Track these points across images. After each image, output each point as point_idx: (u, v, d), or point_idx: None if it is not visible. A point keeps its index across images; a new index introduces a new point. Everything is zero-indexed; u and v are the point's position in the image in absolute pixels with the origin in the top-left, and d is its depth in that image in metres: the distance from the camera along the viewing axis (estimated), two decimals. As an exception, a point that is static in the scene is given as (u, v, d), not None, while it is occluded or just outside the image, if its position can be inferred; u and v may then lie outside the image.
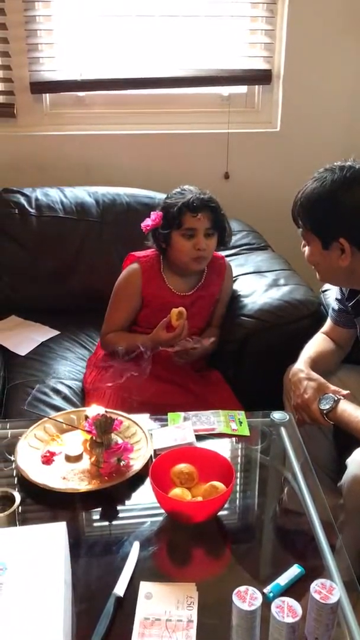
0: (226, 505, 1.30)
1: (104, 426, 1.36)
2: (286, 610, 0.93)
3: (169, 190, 2.00)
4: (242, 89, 2.63)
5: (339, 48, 2.51)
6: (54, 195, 2.35)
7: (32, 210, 2.29)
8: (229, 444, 1.55)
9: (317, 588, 0.96)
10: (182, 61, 2.50)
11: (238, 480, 1.46)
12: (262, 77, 2.57)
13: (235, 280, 2.12)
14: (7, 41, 2.39)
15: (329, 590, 0.96)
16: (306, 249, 1.58)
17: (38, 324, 2.25)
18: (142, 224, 1.96)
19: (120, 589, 1.10)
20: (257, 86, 2.61)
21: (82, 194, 2.37)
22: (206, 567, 1.25)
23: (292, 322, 1.94)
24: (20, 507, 1.25)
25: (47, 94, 2.53)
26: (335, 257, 1.50)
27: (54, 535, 1.05)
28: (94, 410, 1.44)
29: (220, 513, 1.30)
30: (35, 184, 2.41)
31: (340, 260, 1.49)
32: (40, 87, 2.47)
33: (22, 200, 2.30)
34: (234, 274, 2.12)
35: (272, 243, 2.41)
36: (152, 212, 1.96)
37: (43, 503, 1.34)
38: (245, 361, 1.99)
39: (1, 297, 2.29)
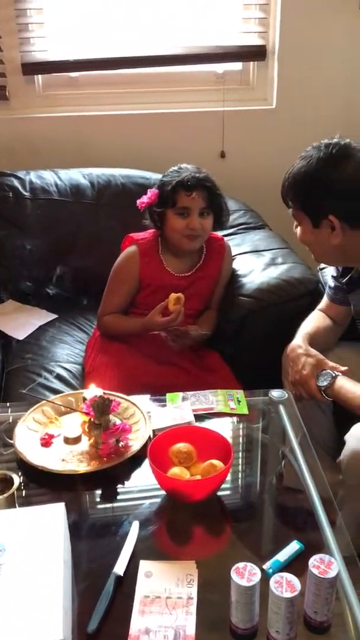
0: (226, 484, 1.30)
1: (102, 407, 1.36)
2: (285, 585, 0.93)
3: (165, 170, 1.98)
4: (237, 65, 2.59)
5: (335, 22, 2.46)
6: (48, 177, 2.33)
7: (27, 193, 2.27)
8: (228, 423, 1.55)
9: (315, 563, 0.96)
10: (176, 38, 2.46)
11: (238, 458, 1.46)
12: (256, 53, 2.53)
13: (233, 259, 2.10)
14: (-4, 22, 2.36)
15: (327, 565, 0.96)
16: (298, 229, 1.58)
17: (36, 308, 2.24)
18: (138, 201, 1.95)
19: (120, 568, 1.11)
20: (251, 63, 2.57)
21: (77, 175, 2.35)
22: (206, 545, 1.26)
23: (291, 301, 1.93)
24: (20, 490, 1.25)
25: (40, 75, 2.50)
26: (327, 235, 1.50)
27: (53, 516, 1.05)
28: (92, 392, 1.44)
29: (220, 492, 1.30)
30: (29, 166, 2.38)
31: (332, 238, 1.49)
32: (32, 68, 2.44)
33: (16, 183, 2.29)
34: (232, 254, 2.11)
35: (269, 222, 2.39)
36: (148, 190, 1.94)
37: (43, 485, 1.34)
38: (244, 341, 1.98)
39: (-2, 282, 2.28)
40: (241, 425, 1.57)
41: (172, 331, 1.88)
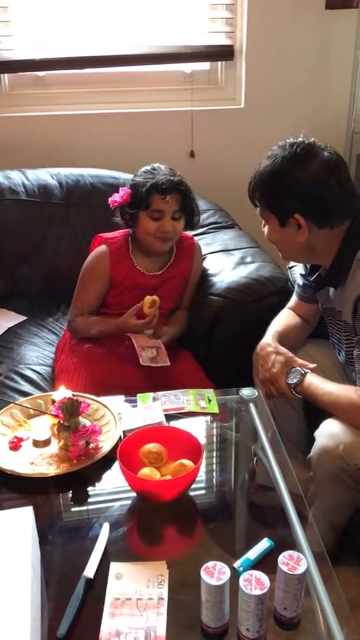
0: (197, 483, 1.30)
1: (71, 409, 1.35)
2: (254, 583, 0.93)
3: (134, 170, 1.97)
4: (205, 65, 2.59)
5: (301, 21, 2.48)
6: (15, 177, 2.30)
7: (-6, 194, 2.24)
8: (199, 422, 1.55)
9: (284, 560, 0.97)
10: (143, 38, 2.45)
11: (208, 457, 1.46)
12: (224, 53, 2.54)
13: (204, 259, 2.11)
14: None
15: (296, 561, 0.97)
16: (266, 228, 1.59)
17: (4, 310, 2.22)
18: (110, 199, 1.94)
19: (90, 570, 1.10)
20: (219, 62, 2.58)
21: (45, 175, 2.33)
22: (177, 545, 1.26)
23: (260, 299, 1.94)
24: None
25: (6, 74, 2.47)
26: (293, 234, 1.51)
27: (20, 521, 1.04)
28: (61, 393, 1.43)
29: (192, 491, 1.30)
30: (-4, 166, 2.36)
31: (298, 236, 1.50)
32: (-2, 67, 2.41)
33: (-17, 184, 2.25)
34: (202, 253, 2.11)
35: (239, 221, 2.40)
36: (120, 188, 1.93)
37: (12, 489, 1.32)
38: (215, 340, 1.98)
39: (-35, 284, 2.25)
40: (212, 425, 1.57)
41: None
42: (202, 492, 1.38)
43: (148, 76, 2.56)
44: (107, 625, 0.99)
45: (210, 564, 0.97)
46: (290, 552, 0.98)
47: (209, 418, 1.56)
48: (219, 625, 0.96)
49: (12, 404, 1.50)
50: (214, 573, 0.94)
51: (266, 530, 1.23)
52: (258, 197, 1.54)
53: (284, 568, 0.95)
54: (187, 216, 1.94)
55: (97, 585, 1.08)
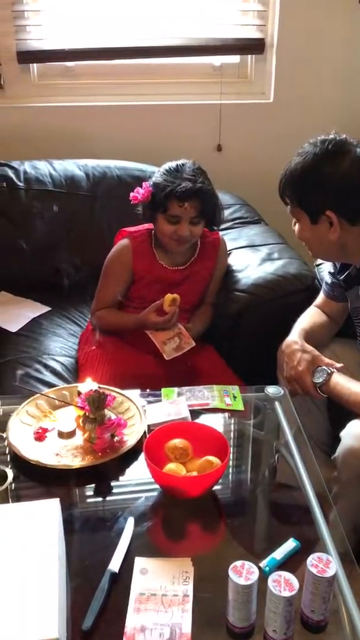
0: (221, 480, 1.29)
1: (97, 402, 1.35)
2: (283, 584, 0.92)
3: (161, 162, 1.96)
4: (235, 58, 2.57)
5: (334, 15, 2.45)
6: (42, 168, 2.30)
7: (21, 184, 2.24)
8: (223, 419, 1.54)
9: (313, 562, 0.96)
10: (173, 30, 2.44)
11: (232, 455, 1.45)
12: (255, 47, 2.51)
13: (229, 254, 2.09)
14: (-8, 8, 2.32)
15: (325, 563, 0.95)
16: (296, 227, 1.57)
17: (29, 300, 2.22)
18: (132, 194, 1.92)
19: (115, 564, 1.09)
20: (249, 56, 2.55)
21: (72, 167, 2.32)
22: (201, 542, 1.25)
23: (286, 297, 1.92)
24: (13, 485, 1.24)
25: (35, 64, 2.46)
26: (325, 231, 1.49)
27: (47, 512, 1.04)
28: (87, 386, 1.43)
29: (215, 488, 1.29)
30: (24, 156, 2.35)
31: (330, 233, 1.49)
32: (28, 57, 2.40)
33: (10, 173, 2.25)
34: (227, 248, 2.09)
35: (266, 217, 2.38)
36: (143, 183, 1.92)
37: (36, 480, 1.33)
38: (239, 336, 1.97)
39: (-10, 273, 2.25)
40: (236, 421, 1.56)
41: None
42: (225, 489, 1.37)
43: (177, 68, 2.55)
44: (132, 620, 0.99)
45: (238, 563, 0.96)
46: (319, 554, 0.97)
47: (233, 414, 1.54)
48: (246, 625, 0.96)
49: (38, 395, 1.50)
50: (242, 572, 0.94)
51: (290, 530, 1.22)
52: (289, 195, 1.53)
53: (314, 570, 0.94)
54: (207, 219, 1.92)
55: (122, 580, 1.07)
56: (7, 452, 1.38)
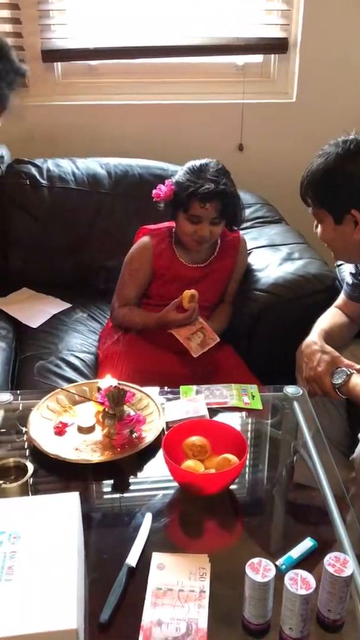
0: (237, 479, 1.30)
1: (117, 398, 1.36)
2: (299, 583, 0.92)
3: (182, 161, 1.96)
4: (258, 58, 2.57)
5: (358, 15, 2.43)
6: (65, 166, 2.32)
7: (44, 182, 2.26)
8: (241, 418, 1.55)
9: (331, 561, 0.96)
10: (196, 29, 2.44)
11: (250, 453, 1.45)
12: (278, 46, 2.51)
13: (249, 253, 2.09)
14: (18, 7, 2.34)
15: (342, 563, 0.95)
16: (319, 229, 1.57)
17: (50, 297, 2.24)
18: (154, 191, 1.93)
19: (132, 559, 1.11)
20: (273, 55, 2.55)
21: (94, 165, 2.34)
22: (218, 539, 1.25)
23: (306, 297, 1.92)
24: (32, 478, 1.25)
25: (59, 63, 2.48)
26: (350, 231, 1.49)
27: (67, 505, 1.05)
28: (107, 382, 1.44)
29: (232, 486, 1.30)
30: (47, 154, 2.38)
31: (355, 233, 1.49)
32: (52, 56, 2.43)
33: (34, 171, 2.28)
34: (248, 248, 2.09)
35: (287, 216, 2.37)
36: (166, 181, 1.92)
37: (55, 474, 1.34)
38: (258, 336, 1.97)
39: (13, 269, 2.28)
40: (254, 420, 1.56)
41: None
42: (242, 487, 1.37)
43: (200, 67, 2.55)
44: (149, 613, 1.00)
45: (255, 560, 0.96)
46: (336, 553, 0.97)
47: (251, 413, 1.55)
48: (262, 622, 0.96)
49: (58, 390, 1.52)
50: (259, 569, 0.94)
51: (307, 529, 1.22)
52: (311, 196, 1.53)
53: (331, 569, 0.94)
54: (227, 220, 1.92)
55: (139, 574, 1.08)
56: (27, 446, 1.40)
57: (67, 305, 2.20)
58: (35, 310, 2.16)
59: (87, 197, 2.27)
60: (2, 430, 1.45)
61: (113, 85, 2.53)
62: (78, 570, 0.96)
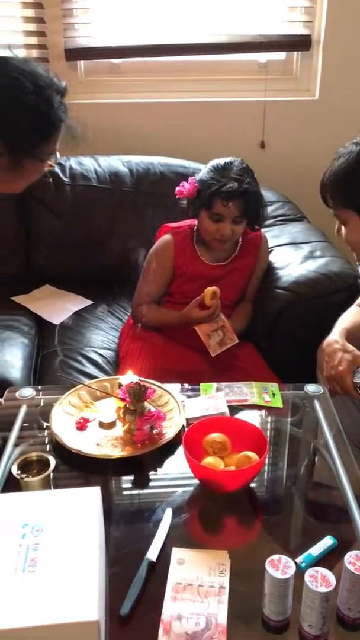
0: (257, 477, 1.30)
1: (138, 394, 1.37)
2: (320, 580, 0.92)
3: (204, 159, 1.97)
4: (280, 55, 2.56)
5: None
6: (87, 164, 2.34)
7: (67, 180, 2.29)
8: (261, 415, 1.55)
9: (351, 559, 0.96)
10: (218, 27, 2.44)
11: (270, 452, 1.45)
12: (301, 43, 2.50)
13: (271, 251, 2.09)
14: (42, 6, 2.36)
15: (363, 561, 0.95)
16: (343, 231, 1.55)
17: (72, 294, 2.26)
18: (177, 189, 1.94)
19: (152, 554, 1.11)
20: (295, 52, 2.54)
21: (116, 163, 2.35)
22: (238, 535, 1.25)
23: (328, 295, 1.91)
24: (54, 472, 1.27)
25: (82, 61, 2.50)
26: None
27: (89, 499, 1.06)
28: (128, 378, 1.45)
29: (252, 484, 1.30)
30: (69, 152, 2.39)
31: None
32: (75, 54, 2.45)
33: (57, 169, 2.30)
34: (269, 246, 2.09)
35: (308, 214, 2.36)
36: (189, 179, 1.93)
37: (77, 469, 1.35)
38: (278, 334, 1.97)
39: (36, 267, 2.31)
40: (274, 419, 1.56)
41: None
42: (262, 485, 1.37)
43: (222, 65, 2.55)
44: (169, 608, 1.01)
45: (275, 557, 0.96)
46: (357, 552, 0.97)
47: (271, 412, 1.55)
48: (281, 619, 0.96)
49: (80, 385, 1.53)
50: (279, 566, 0.94)
51: (327, 528, 1.22)
52: (334, 196, 1.51)
53: (351, 568, 0.94)
54: (249, 219, 1.92)
55: (159, 569, 1.09)
56: (49, 440, 1.41)
57: (88, 302, 2.22)
58: (57, 307, 2.18)
59: (109, 194, 2.29)
60: (24, 425, 1.47)
61: (135, 83, 2.54)
62: (99, 564, 0.97)
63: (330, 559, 1.10)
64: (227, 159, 1.89)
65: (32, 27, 2.42)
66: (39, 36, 2.42)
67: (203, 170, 1.92)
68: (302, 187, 2.41)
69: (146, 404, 1.40)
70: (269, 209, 2.21)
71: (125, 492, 1.36)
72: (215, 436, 1.31)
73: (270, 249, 2.09)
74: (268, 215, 2.10)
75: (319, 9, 2.43)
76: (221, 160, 1.89)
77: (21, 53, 2.45)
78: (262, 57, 2.53)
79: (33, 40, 2.44)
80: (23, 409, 1.50)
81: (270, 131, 2.55)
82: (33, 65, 1.28)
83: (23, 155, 1.26)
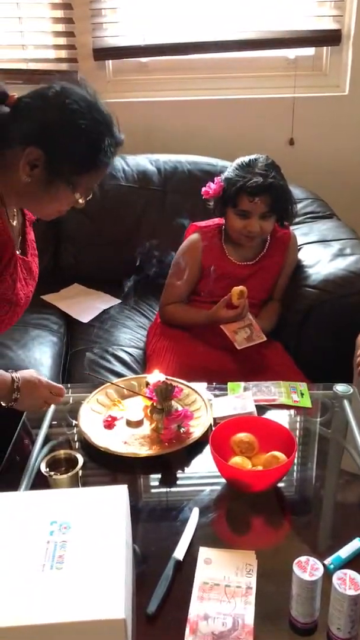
0: (285, 477, 1.29)
1: (165, 393, 1.37)
2: (348, 583, 0.91)
3: (232, 157, 1.96)
4: (310, 51, 2.53)
5: None
6: (116, 163, 2.29)
7: (95, 179, 2.29)
8: (289, 415, 1.53)
9: (380, 562, 0.94)
10: (246, 23, 2.43)
11: (298, 452, 1.44)
12: (330, 38, 2.46)
13: (300, 249, 2.07)
14: (71, 7, 2.38)
15: (393, 565, 0.94)
16: None
17: (100, 292, 2.28)
18: (203, 189, 1.94)
19: (179, 553, 1.11)
20: (325, 48, 2.51)
21: (144, 161, 2.36)
22: (265, 536, 1.25)
23: (358, 294, 1.88)
24: (82, 470, 1.28)
25: (110, 61, 2.51)
26: None
27: (116, 497, 1.07)
28: (155, 377, 1.45)
29: (280, 484, 1.29)
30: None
31: None
32: (104, 54, 2.46)
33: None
34: (298, 243, 2.07)
35: (338, 212, 2.33)
36: (215, 178, 1.92)
37: (104, 467, 1.36)
38: (307, 333, 1.95)
39: (65, 266, 2.33)
40: (303, 418, 1.54)
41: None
42: (290, 485, 1.36)
43: (250, 62, 2.53)
44: (195, 607, 1.01)
45: (303, 558, 0.96)
46: (386, 555, 0.96)
47: (299, 411, 1.53)
48: (309, 621, 0.95)
49: (108, 384, 1.54)
50: (307, 568, 0.93)
51: (355, 530, 1.20)
52: None
53: (380, 571, 0.93)
54: (278, 215, 1.90)
55: (186, 568, 1.09)
56: (77, 438, 1.42)
57: (116, 301, 2.23)
58: (86, 305, 2.20)
59: (137, 193, 2.29)
60: (53, 422, 1.49)
61: (164, 81, 2.54)
62: (126, 562, 0.98)
63: (357, 561, 1.09)
64: (252, 156, 1.89)
65: (61, 27, 2.44)
66: (68, 36, 2.43)
67: (228, 169, 1.92)
68: (331, 184, 2.39)
69: (173, 402, 1.40)
70: (298, 206, 2.18)
71: (152, 491, 1.37)
72: (243, 436, 1.31)
73: (299, 247, 2.07)
74: (297, 212, 2.08)
75: (349, 2, 2.39)
76: (246, 158, 1.89)
77: (51, 54, 2.49)
78: (291, 53, 2.51)
79: (62, 40, 2.46)
80: (52, 407, 1.51)
81: (300, 128, 2.52)
82: (100, 103, 1.27)
83: (57, 175, 1.25)
